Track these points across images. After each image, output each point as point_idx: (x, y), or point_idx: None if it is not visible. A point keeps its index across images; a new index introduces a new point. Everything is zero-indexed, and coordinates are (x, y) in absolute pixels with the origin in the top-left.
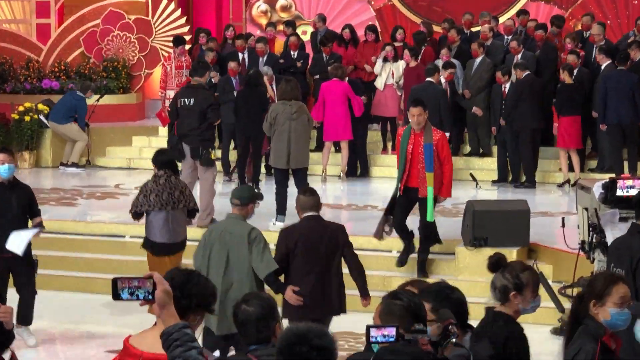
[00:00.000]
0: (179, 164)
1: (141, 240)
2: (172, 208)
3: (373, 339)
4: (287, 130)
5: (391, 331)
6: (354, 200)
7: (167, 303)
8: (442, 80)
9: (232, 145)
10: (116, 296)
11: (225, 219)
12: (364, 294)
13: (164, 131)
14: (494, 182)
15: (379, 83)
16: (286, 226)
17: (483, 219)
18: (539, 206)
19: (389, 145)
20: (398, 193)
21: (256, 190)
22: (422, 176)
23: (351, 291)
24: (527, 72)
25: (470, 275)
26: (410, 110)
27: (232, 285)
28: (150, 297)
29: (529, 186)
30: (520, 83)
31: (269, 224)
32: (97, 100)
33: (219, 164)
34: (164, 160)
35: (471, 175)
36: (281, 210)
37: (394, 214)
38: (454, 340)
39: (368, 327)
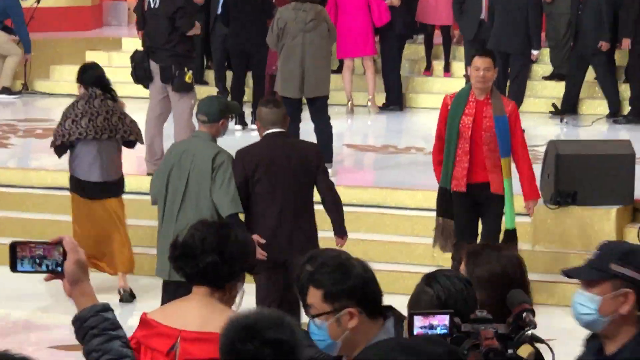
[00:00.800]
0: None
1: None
2: (108, 137)
3: (420, 330)
4: (299, 45)
5: (443, 320)
6: (392, 139)
7: (79, 279)
8: None
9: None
10: (13, 267)
11: (190, 137)
12: (339, 232)
13: (129, 44)
14: (553, 113)
15: None
16: (243, 146)
17: (570, 166)
18: None
19: (440, 65)
20: (449, 191)
21: (230, 101)
22: (493, 163)
23: (388, 266)
24: None
25: (551, 243)
26: (474, 61)
27: (189, 225)
28: (59, 269)
29: (635, 120)
30: None
31: None
32: (37, 1)
33: (204, 91)
34: (93, 77)
35: (553, 105)
36: None
37: (457, 233)
38: (530, 332)
39: (411, 315)
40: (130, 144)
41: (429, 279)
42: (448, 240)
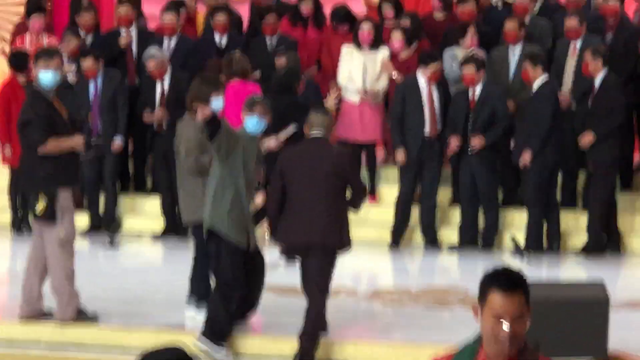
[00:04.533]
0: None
1: None
2: None
3: None
4: None
5: None
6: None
7: None
8: (422, 81)
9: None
10: None
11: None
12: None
13: None
14: (452, 248)
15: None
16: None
17: (535, 312)
18: (624, 291)
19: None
20: None
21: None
22: None
23: None
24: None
25: None
26: (491, 300)
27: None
28: None
29: (610, 254)
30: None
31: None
32: None
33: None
34: None
35: (513, 240)
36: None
37: None
38: None
39: None
40: None
41: None
42: None
